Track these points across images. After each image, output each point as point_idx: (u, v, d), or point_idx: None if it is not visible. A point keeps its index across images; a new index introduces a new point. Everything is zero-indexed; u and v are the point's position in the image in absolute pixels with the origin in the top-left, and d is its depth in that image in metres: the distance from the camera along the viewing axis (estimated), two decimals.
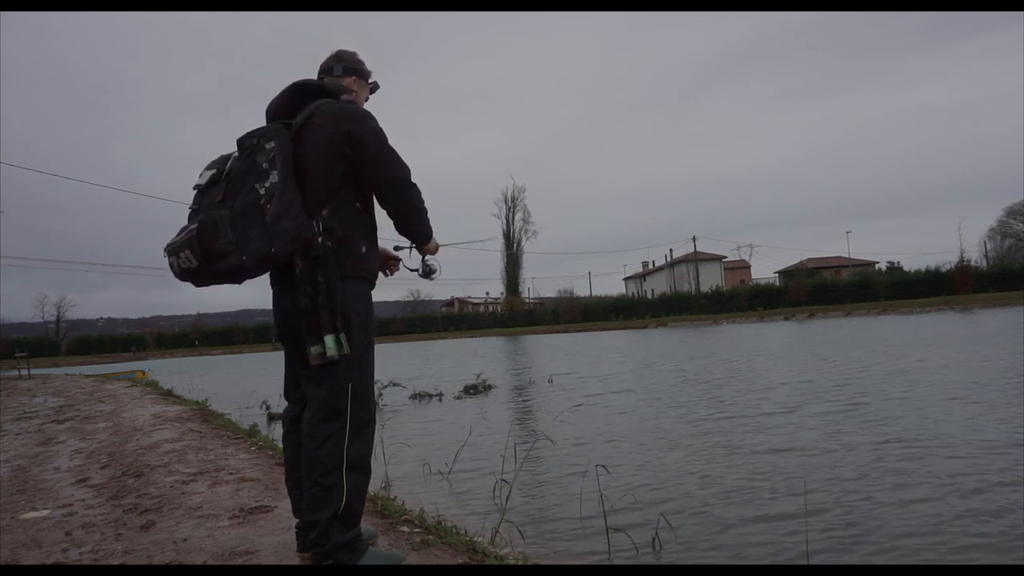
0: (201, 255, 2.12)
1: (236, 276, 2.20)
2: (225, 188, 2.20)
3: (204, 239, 2.12)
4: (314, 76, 2.56)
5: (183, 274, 2.19)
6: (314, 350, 2.21)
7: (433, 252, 2.67)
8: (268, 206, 2.15)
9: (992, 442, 5.25)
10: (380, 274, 2.63)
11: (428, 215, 2.52)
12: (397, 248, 2.70)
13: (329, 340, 2.20)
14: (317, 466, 2.21)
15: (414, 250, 2.66)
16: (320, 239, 2.23)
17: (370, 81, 2.64)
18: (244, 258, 2.12)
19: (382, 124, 2.38)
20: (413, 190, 2.41)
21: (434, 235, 2.61)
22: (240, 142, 2.28)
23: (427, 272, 2.70)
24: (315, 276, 2.21)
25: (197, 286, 2.26)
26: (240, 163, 2.23)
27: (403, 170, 2.37)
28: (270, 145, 2.22)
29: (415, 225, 2.51)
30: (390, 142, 2.37)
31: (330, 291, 2.21)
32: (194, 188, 2.30)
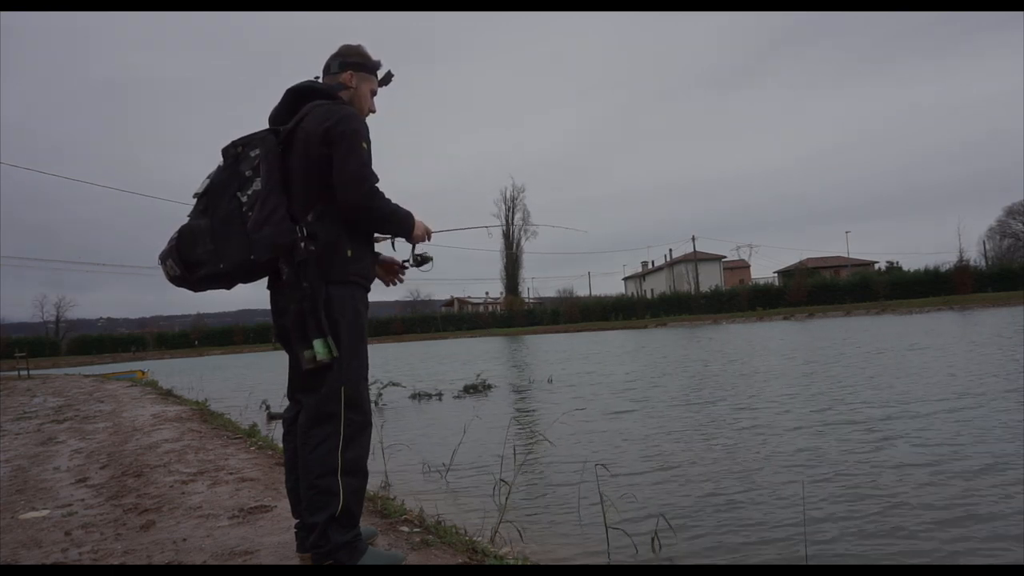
0: (181, 264, 2.20)
1: (219, 283, 2.25)
2: (208, 198, 2.25)
3: (182, 248, 2.20)
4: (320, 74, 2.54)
5: (174, 281, 2.26)
6: (306, 354, 2.23)
7: (422, 239, 2.53)
8: (250, 214, 2.19)
9: (993, 435, 5.26)
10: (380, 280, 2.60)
11: (398, 214, 2.38)
12: (378, 240, 2.54)
13: (318, 344, 2.21)
14: (312, 470, 2.22)
15: (402, 241, 2.53)
16: (303, 244, 2.22)
17: (380, 72, 2.55)
18: (221, 266, 2.17)
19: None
20: (372, 197, 2.26)
21: (419, 221, 2.48)
22: (224, 152, 2.30)
23: (419, 262, 2.57)
24: (300, 282, 2.22)
25: (194, 291, 2.32)
26: (223, 173, 2.27)
27: (362, 176, 2.24)
28: (254, 153, 2.25)
29: (381, 230, 2.44)
30: (365, 147, 2.27)
31: (314, 297, 2.21)
32: (193, 196, 2.33)
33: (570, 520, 4.04)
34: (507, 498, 3.69)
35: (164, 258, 2.24)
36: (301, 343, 2.24)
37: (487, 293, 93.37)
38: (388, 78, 2.57)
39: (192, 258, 2.19)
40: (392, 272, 2.65)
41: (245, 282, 2.31)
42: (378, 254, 2.57)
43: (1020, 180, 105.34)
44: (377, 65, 2.54)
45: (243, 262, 2.18)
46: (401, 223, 2.42)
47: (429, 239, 2.58)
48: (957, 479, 4.37)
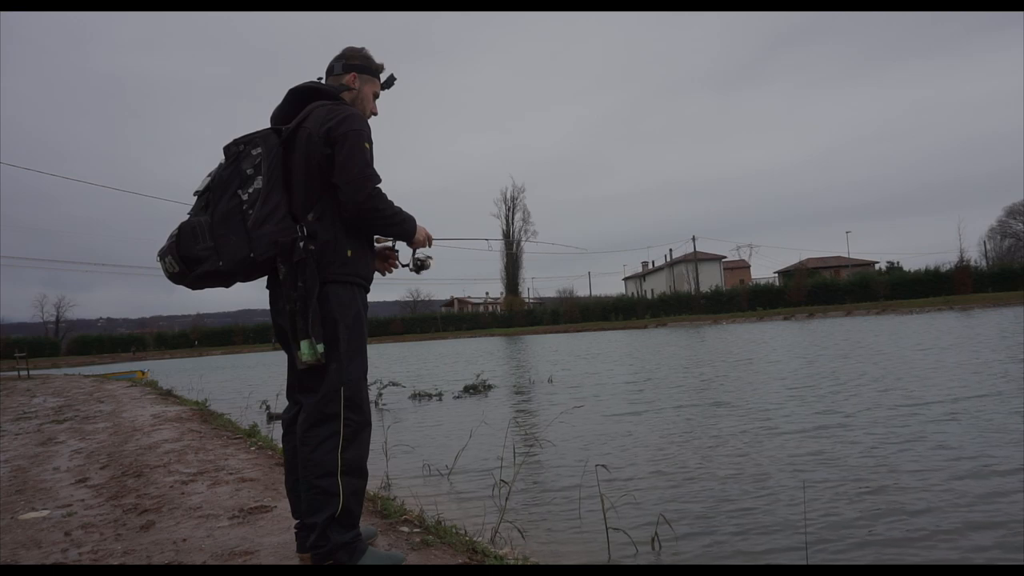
0: (180, 260, 2.19)
1: (217, 280, 2.25)
2: (208, 195, 2.25)
3: (182, 244, 2.20)
4: (323, 75, 2.55)
5: (172, 278, 2.26)
6: (298, 354, 2.24)
7: (423, 245, 2.55)
8: (251, 212, 2.19)
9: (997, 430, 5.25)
10: (377, 274, 2.61)
11: (401, 216, 2.40)
12: (379, 240, 2.56)
13: (304, 346, 2.21)
14: (312, 470, 2.22)
15: (403, 245, 2.55)
16: (302, 244, 2.22)
17: (383, 75, 2.57)
18: (220, 263, 2.17)
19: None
20: (376, 198, 2.28)
21: (420, 227, 2.51)
22: (226, 149, 2.31)
23: (418, 267, 2.58)
24: (296, 281, 2.22)
25: (192, 289, 2.31)
26: (224, 170, 2.27)
27: (365, 176, 2.25)
28: (256, 151, 2.25)
29: (383, 232, 2.44)
30: (368, 147, 2.29)
31: (307, 297, 2.21)
32: (194, 194, 2.33)
33: (571, 520, 4.04)
34: (507, 498, 3.69)
35: (163, 255, 2.23)
36: (294, 343, 2.25)
37: (487, 293, 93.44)
38: (391, 81, 2.60)
39: (191, 254, 2.19)
40: (386, 259, 2.64)
41: (244, 280, 2.31)
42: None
43: (1020, 180, 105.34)
44: (380, 68, 2.57)
45: (243, 260, 2.18)
46: (403, 226, 2.44)
47: (430, 245, 2.60)
48: (978, 481, 4.36)
